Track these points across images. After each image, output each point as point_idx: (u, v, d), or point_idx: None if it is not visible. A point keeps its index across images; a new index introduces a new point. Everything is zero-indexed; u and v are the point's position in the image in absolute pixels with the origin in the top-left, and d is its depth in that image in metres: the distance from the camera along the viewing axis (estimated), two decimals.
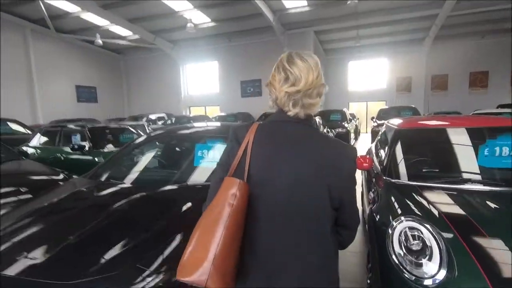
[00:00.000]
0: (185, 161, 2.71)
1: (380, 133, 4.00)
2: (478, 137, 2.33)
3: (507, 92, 15.14)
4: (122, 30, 14.57)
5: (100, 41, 13.66)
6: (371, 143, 10.01)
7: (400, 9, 12.08)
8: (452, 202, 1.79)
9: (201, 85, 18.64)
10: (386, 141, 3.34)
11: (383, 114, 10.47)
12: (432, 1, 11.29)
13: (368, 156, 2.65)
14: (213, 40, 15.96)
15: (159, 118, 15.50)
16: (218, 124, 3.50)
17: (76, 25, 14.23)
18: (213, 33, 15.25)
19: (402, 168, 2.38)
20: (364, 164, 2.58)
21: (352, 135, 11.09)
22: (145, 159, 2.71)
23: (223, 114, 15.22)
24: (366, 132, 16.94)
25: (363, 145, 11.80)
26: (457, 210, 1.72)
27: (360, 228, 3.31)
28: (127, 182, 2.30)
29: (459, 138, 2.40)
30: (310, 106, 0.88)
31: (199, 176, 2.37)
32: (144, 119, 14.63)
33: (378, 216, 1.86)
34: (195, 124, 3.48)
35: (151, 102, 18.90)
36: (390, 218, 1.72)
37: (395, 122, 3.01)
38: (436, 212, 1.66)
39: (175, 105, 18.41)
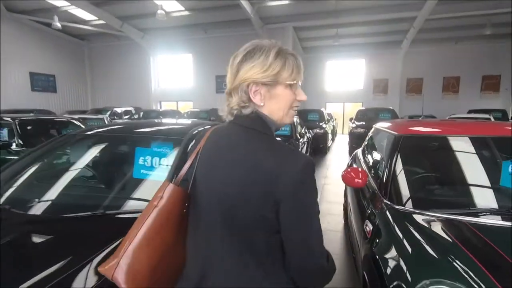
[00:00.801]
0: (122, 173, 2.01)
1: (368, 138, 3.48)
2: (504, 149, 1.82)
3: (476, 97, 15.60)
4: (85, 13, 13.19)
5: (58, 24, 12.27)
6: (349, 144, 9.85)
7: (379, 9, 11.89)
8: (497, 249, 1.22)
9: (173, 78, 17.57)
10: (377, 148, 2.80)
11: (361, 115, 10.20)
12: (411, 1, 11.15)
13: (361, 169, 2.07)
14: (187, 31, 14.98)
15: (126, 112, 14.36)
16: (175, 123, 2.80)
17: (30, 4, 12.68)
18: (187, 23, 14.28)
19: (406, 189, 1.82)
20: (357, 180, 2.01)
21: (330, 136, 10.73)
22: (62, 172, 1.94)
23: (196, 110, 14.34)
24: (343, 133, 16.83)
25: (340, 145, 11.54)
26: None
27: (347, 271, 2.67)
28: (35, 210, 1.54)
29: (478, 150, 1.88)
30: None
31: (140, 193, 1.69)
32: (109, 112, 13.44)
33: (388, 269, 1.26)
34: (146, 122, 2.80)
35: (119, 94, 17.56)
36: (408, 276, 1.13)
37: (391, 126, 2.46)
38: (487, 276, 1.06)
39: (145, 98, 17.22)
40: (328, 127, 10.22)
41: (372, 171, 2.42)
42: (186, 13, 12.90)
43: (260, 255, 0.73)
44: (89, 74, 18.07)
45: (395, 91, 16.56)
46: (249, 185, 0.71)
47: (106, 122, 9.20)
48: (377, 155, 2.59)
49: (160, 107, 17.64)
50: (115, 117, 13.43)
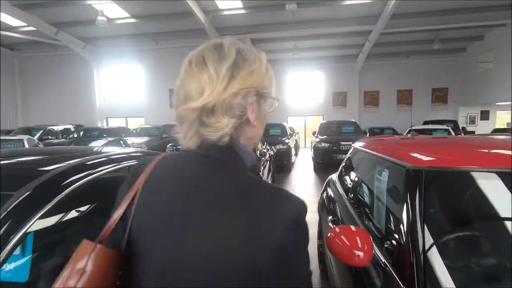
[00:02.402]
0: None
1: (346, 160, 2.68)
2: None
3: (428, 109, 16.28)
4: (10, 19, 11.33)
5: None
6: (313, 160, 9.22)
7: (336, 22, 11.83)
8: None
9: (122, 93, 15.96)
10: (364, 181, 1.98)
11: (324, 129, 9.73)
12: (367, 15, 11.20)
13: (358, 229, 1.21)
14: (136, 41, 13.69)
15: (64, 131, 12.46)
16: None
17: None
18: (135, 32, 13.03)
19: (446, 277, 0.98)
20: (357, 254, 1.14)
21: (293, 151, 10.07)
22: None
23: (147, 126, 12.94)
24: (305, 147, 16.46)
25: (304, 160, 10.91)
26: None
27: None
28: None
29: None
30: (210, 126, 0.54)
31: None
32: (40, 132, 11.49)
33: None
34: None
35: (58, 110, 15.46)
36: None
37: (390, 150, 1.65)
38: None
39: (88, 115, 15.31)
40: (291, 142, 9.56)
41: (366, 218, 1.57)
42: (133, 20, 11.69)
43: None
44: (20, 89, 15.72)
45: (353, 104, 16.71)
46: (233, 249, 0.49)
47: (27, 145, 7.58)
48: (367, 195, 1.75)
49: (107, 124, 15.83)
50: (49, 137, 11.54)
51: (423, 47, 14.29)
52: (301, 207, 0.53)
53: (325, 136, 8.95)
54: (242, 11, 11.09)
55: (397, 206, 1.32)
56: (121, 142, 8.49)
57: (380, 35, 12.02)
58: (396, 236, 1.21)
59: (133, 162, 1.79)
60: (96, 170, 1.34)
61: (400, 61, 16.03)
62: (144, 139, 10.49)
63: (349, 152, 2.62)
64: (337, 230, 1.24)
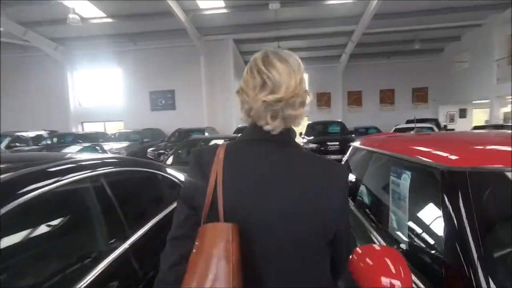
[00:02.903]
0: None
1: (344, 162, 2.44)
2: None
3: (410, 108, 16.56)
4: None
5: None
6: None
7: (319, 22, 11.77)
8: None
9: (99, 96, 15.23)
10: (372, 189, 1.73)
11: (311, 130, 9.57)
12: (349, 15, 11.20)
13: (394, 250, 0.93)
14: (113, 42, 13.08)
15: (36, 137, 11.64)
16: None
17: None
18: (112, 33, 12.43)
19: None
20: (393, 286, 0.85)
21: None
22: None
23: (126, 130, 12.34)
24: None
25: None
26: None
27: None
28: None
29: None
30: (293, 118, 0.72)
31: None
32: (7, 139, 10.65)
33: None
34: None
35: (30, 115, 14.49)
36: None
37: (410, 148, 1.41)
38: None
39: (63, 120, 14.47)
40: None
41: (379, 228, 1.31)
42: (109, 20, 11.12)
43: (315, 268, 0.72)
44: None
45: (337, 104, 16.76)
46: (305, 209, 0.68)
47: None
48: (380, 201, 1.49)
49: (83, 129, 15.03)
50: (17, 145, 10.72)
51: (403, 47, 14.53)
52: (346, 170, 0.78)
53: (312, 137, 8.79)
54: (224, 11, 10.80)
55: (430, 215, 1.06)
56: (98, 148, 7.95)
57: (363, 35, 12.06)
58: (435, 252, 0.95)
59: (106, 170, 1.47)
60: (58, 178, 1.18)
61: (382, 61, 16.24)
62: (123, 144, 9.93)
63: (348, 153, 2.38)
64: (360, 251, 0.97)
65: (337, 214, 0.71)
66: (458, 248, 0.87)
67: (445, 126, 13.80)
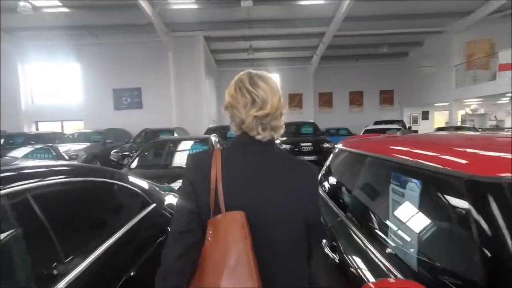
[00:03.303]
0: None
1: (325, 168, 2.22)
2: None
3: (377, 110, 17.16)
4: None
5: None
6: None
7: (291, 22, 11.73)
8: None
9: (55, 93, 13.95)
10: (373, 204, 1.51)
11: (284, 131, 9.42)
12: (321, 16, 11.26)
13: (415, 285, 0.68)
14: (71, 34, 12.01)
15: None
16: None
17: None
18: (70, 24, 11.38)
19: None
20: None
21: None
22: None
23: (87, 130, 11.37)
24: None
25: None
26: None
27: None
28: None
29: None
30: (278, 128, 0.88)
31: None
32: None
33: None
34: None
35: None
36: None
37: (433, 156, 1.19)
38: None
39: (12, 118, 13.03)
40: None
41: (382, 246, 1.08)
42: (65, 10, 10.17)
43: (301, 253, 0.88)
44: None
45: (309, 105, 16.90)
46: (289, 201, 0.84)
47: None
48: (377, 215, 1.25)
49: (37, 129, 13.69)
50: None
51: (371, 50, 14.98)
52: (316, 168, 0.93)
53: (285, 138, 8.64)
54: (194, 6, 10.35)
55: (453, 232, 0.84)
56: (52, 150, 7.14)
57: (334, 37, 12.21)
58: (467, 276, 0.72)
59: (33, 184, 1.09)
60: None
61: (351, 63, 16.64)
62: (83, 145, 9.07)
63: (331, 156, 2.16)
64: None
65: (313, 204, 0.90)
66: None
67: (409, 127, 14.43)
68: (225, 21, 11.69)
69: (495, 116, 16.16)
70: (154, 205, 1.99)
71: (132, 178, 1.96)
